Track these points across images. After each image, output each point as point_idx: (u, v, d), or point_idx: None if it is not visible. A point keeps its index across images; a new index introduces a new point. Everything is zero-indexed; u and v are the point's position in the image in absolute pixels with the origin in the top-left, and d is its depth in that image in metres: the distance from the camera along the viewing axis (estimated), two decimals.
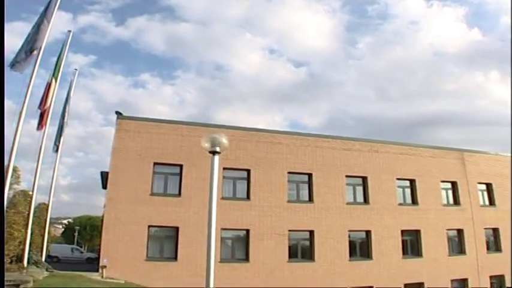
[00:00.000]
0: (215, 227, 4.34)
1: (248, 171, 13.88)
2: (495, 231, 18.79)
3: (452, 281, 16.84)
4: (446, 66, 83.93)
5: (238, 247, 13.68)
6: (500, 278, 18.20)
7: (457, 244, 17.64)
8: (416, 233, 16.42)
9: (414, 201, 16.79)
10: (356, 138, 17.11)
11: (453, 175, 18.26)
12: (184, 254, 12.46)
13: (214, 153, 4.41)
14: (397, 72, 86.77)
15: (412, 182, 16.98)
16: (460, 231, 17.69)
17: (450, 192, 18.09)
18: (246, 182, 13.86)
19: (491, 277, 17.93)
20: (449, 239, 17.40)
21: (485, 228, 18.44)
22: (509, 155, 21.70)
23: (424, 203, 16.85)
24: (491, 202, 19.13)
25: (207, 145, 4.47)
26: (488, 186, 19.29)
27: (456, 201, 17.99)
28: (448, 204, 17.75)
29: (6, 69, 6.20)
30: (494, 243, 18.74)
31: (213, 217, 4.25)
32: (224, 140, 4.51)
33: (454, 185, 18.18)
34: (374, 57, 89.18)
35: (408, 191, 16.88)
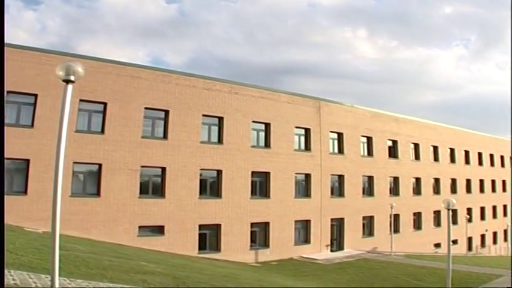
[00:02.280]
0: (66, 160, 5.57)
1: (105, 104, 20.60)
2: (340, 177, 30.64)
3: (296, 221, 27.70)
4: (318, 18, 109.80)
5: (90, 181, 20.67)
6: (340, 220, 30.22)
7: (304, 188, 28.60)
8: (265, 175, 26.36)
9: (267, 144, 26.59)
10: (217, 79, 25.57)
11: (308, 122, 28.77)
12: (34, 187, 18.67)
13: (68, 81, 5.80)
14: (268, 19, 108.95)
15: (267, 125, 26.64)
16: (307, 176, 28.61)
17: (303, 138, 28.68)
18: (101, 115, 20.59)
19: (332, 219, 29.73)
20: (297, 182, 28.16)
21: (331, 175, 29.91)
22: (387, 112, 34.36)
23: (277, 146, 26.78)
24: (341, 150, 30.75)
25: (61, 73, 5.80)
26: (340, 135, 30.80)
27: (307, 147, 28.72)
28: (299, 150, 28.33)
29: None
30: (338, 188, 30.64)
31: (62, 149, 5.63)
32: (80, 69, 5.88)
33: (307, 131, 28.78)
34: (248, 1, 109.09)
35: (262, 134, 26.51)
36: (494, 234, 48.52)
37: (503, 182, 51.80)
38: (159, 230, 22.23)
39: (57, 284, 5.63)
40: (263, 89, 27.18)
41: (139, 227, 21.59)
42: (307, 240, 28.49)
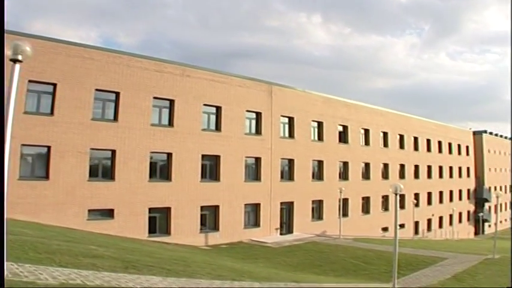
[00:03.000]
0: (14, 143, 6.82)
1: (54, 85, 21.54)
2: (290, 161, 32.84)
3: (245, 205, 29.69)
4: (273, 3, 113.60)
5: (39, 164, 21.66)
6: (290, 204, 32.47)
7: (254, 171, 30.59)
8: (216, 158, 28.14)
9: (218, 127, 28.32)
10: (169, 61, 26.97)
11: (259, 106, 30.69)
12: None
13: (15, 61, 6.02)
14: (223, 2, 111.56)
15: (219, 109, 28.35)
16: (258, 160, 30.64)
17: (254, 122, 30.58)
18: (51, 96, 21.54)
19: (281, 203, 31.93)
20: (247, 166, 30.12)
21: (281, 158, 32.04)
22: (338, 98, 36.62)
23: (227, 130, 28.56)
24: (291, 135, 32.87)
25: (8, 52, 5.99)
26: (291, 120, 32.92)
27: (258, 131, 30.71)
28: (250, 133, 30.29)
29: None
30: (288, 172, 32.83)
31: (8, 131, 5.80)
32: (28, 48, 6.17)
33: (258, 115, 30.72)
34: None
35: (213, 117, 28.19)
36: (440, 218, 52.72)
37: (450, 168, 56.13)
38: (108, 213, 23.42)
39: (5, 269, 5.86)
40: (215, 72, 28.80)
41: (89, 211, 22.61)
42: (257, 224, 30.61)
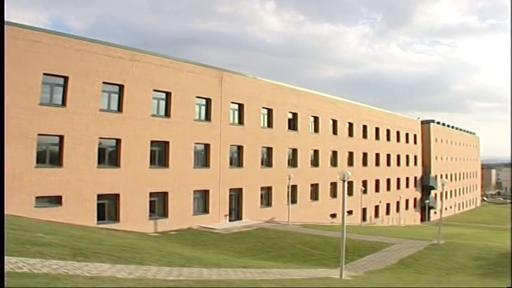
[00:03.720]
0: None
1: None
2: (240, 148, 34.50)
3: (194, 191, 31.12)
4: None
5: None
6: (239, 190, 34.12)
7: (203, 158, 32.02)
8: (165, 144, 29.39)
9: (167, 113, 29.50)
10: (119, 45, 27.87)
11: (209, 92, 32.09)
12: None
13: None
14: None
15: (168, 94, 29.56)
16: (207, 146, 32.06)
17: (203, 108, 31.91)
18: None
19: (230, 189, 33.56)
20: (196, 152, 31.50)
21: (230, 145, 33.61)
22: (288, 85, 38.32)
23: (177, 116, 29.83)
24: (241, 121, 34.44)
25: None
26: (240, 106, 34.48)
27: (208, 117, 32.15)
28: (199, 120, 31.69)
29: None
30: (237, 159, 34.45)
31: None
32: None
33: (208, 101, 32.13)
34: None
35: (163, 103, 29.33)
36: (388, 205, 56.01)
37: (398, 156, 59.46)
38: (56, 200, 24.06)
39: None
40: (165, 58, 29.97)
41: (37, 198, 23.16)
42: (205, 210, 32.16)
